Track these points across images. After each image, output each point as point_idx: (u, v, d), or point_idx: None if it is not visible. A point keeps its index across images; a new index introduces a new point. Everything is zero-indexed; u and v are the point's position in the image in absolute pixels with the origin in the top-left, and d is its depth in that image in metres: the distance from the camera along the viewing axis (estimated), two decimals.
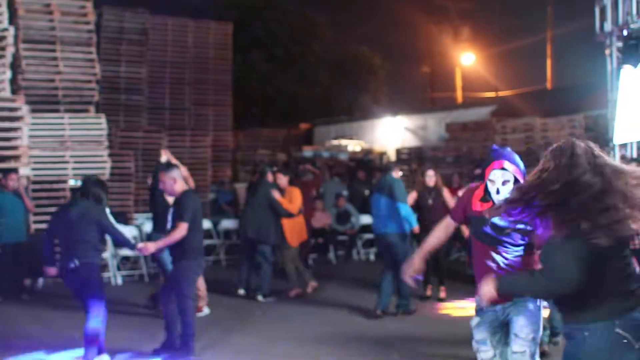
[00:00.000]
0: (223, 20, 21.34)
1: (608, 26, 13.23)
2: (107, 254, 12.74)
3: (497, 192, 4.80)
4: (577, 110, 18.26)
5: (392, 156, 22.82)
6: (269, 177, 11.57)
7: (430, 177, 11.10)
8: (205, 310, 10.10)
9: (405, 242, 10.12)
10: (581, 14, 15.78)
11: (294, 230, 11.50)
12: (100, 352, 7.49)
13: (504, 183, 4.80)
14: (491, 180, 4.86)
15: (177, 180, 7.74)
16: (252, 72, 32.22)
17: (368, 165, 19.94)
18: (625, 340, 3.54)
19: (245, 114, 29.77)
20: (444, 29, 40.51)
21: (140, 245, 7.82)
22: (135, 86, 18.88)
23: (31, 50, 14.12)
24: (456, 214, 5.22)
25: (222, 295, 11.34)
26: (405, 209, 9.92)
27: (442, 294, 11.11)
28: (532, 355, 4.86)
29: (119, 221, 10.66)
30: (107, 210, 7.85)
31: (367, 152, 23.90)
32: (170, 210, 7.87)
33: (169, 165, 8.08)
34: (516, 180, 4.77)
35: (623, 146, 13.57)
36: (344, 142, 25.32)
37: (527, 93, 28.56)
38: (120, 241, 7.97)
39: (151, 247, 7.68)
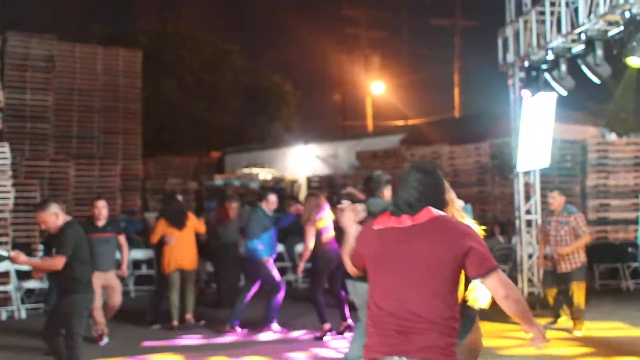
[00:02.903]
0: (132, 48, 21.17)
1: (510, 57, 13.66)
2: (10, 287, 12.36)
3: None
4: (483, 138, 18.72)
5: (304, 184, 22.91)
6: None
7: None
8: (105, 339, 9.96)
9: None
10: (486, 45, 16.23)
11: (166, 257, 11.15)
12: None
13: None
14: None
15: (59, 215, 7.56)
16: (162, 100, 31.94)
17: (279, 194, 19.95)
18: None
19: (156, 142, 29.48)
20: (355, 58, 41.06)
21: (12, 253, 7.58)
22: (41, 114, 18.53)
23: None
24: None
25: (130, 325, 11.15)
26: None
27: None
28: None
29: (24, 252, 10.33)
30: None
31: (278, 180, 23.94)
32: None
33: (44, 203, 7.78)
34: None
35: (526, 173, 13.97)
36: (255, 170, 25.33)
37: (436, 121, 29.18)
38: None
39: (22, 259, 7.52)
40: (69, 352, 7.49)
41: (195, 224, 11.51)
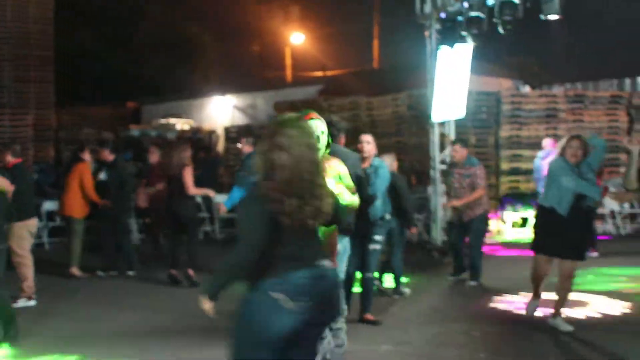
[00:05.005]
0: None
1: (428, 8, 13.76)
2: None
3: None
4: (401, 89, 18.84)
5: (222, 135, 22.76)
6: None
7: None
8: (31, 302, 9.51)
9: None
10: None
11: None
12: None
13: None
14: None
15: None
16: (79, 50, 31.17)
17: (198, 144, 19.81)
18: (277, 301, 3.67)
19: (72, 92, 28.80)
20: (274, 8, 40.67)
21: None
22: None
23: None
24: None
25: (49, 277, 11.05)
26: None
27: None
28: None
29: None
30: None
31: (195, 130, 23.73)
32: None
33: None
34: None
35: (442, 124, 14.17)
36: (172, 120, 25.03)
37: (355, 72, 29.23)
38: None
39: None
40: None
41: (81, 176, 11.68)
